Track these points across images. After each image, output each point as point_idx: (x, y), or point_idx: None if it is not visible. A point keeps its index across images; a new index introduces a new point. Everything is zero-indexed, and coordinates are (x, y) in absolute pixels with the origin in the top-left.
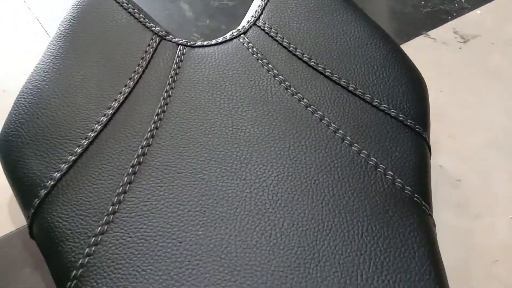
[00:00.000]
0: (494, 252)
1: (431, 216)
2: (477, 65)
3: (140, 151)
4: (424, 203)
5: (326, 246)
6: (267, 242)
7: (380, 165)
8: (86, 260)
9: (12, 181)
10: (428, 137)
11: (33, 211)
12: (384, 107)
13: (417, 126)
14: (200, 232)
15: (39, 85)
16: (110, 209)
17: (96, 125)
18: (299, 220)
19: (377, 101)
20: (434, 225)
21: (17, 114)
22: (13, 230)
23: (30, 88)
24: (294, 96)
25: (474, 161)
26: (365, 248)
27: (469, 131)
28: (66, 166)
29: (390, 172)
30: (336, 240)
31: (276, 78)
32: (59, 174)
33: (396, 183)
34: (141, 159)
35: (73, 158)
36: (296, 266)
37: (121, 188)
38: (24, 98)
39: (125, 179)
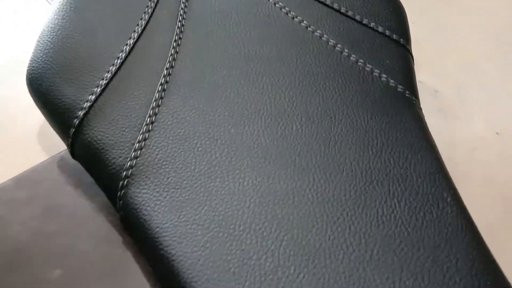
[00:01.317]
0: (473, 142)
1: (421, 109)
2: None
3: (165, 72)
4: (414, 97)
5: (339, 131)
6: (290, 133)
7: (375, 70)
8: (134, 162)
9: (48, 109)
10: (411, 50)
11: (74, 130)
12: (373, 25)
13: (401, 39)
14: (232, 130)
15: (59, 23)
16: (148, 120)
17: (121, 53)
18: (314, 115)
19: (366, 20)
20: (423, 116)
21: (42, 49)
22: (47, 158)
23: (51, 27)
24: (294, 19)
25: (449, 76)
26: (370, 131)
27: (442, 54)
28: (99, 89)
29: (384, 75)
30: (346, 126)
31: (276, 5)
32: (94, 96)
33: (390, 83)
34: (168, 78)
35: (105, 82)
36: (317, 148)
37: (154, 103)
38: (46, 35)
39: (157, 95)
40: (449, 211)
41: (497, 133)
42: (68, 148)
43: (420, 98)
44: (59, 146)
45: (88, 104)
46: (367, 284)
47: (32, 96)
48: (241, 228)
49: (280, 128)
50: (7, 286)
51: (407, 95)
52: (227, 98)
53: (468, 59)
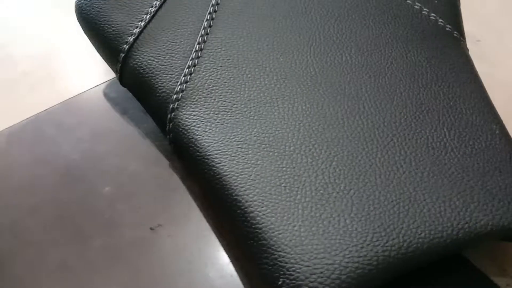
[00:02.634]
0: None
1: (468, 49)
2: None
3: (214, 1)
4: (462, 38)
5: (390, 63)
6: (339, 63)
7: (424, 9)
8: (184, 86)
9: (97, 35)
10: None
11: (123, 55)
12: None
13: None
14: (281, 59)
15: None
16: (197, 47)
17: None
18: (364, 47)
19: None
20: (470, 56)
21: None
22: (94, 86)
23: None
24: None
25: (491, 25)
26: (420, 65)
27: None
28: (149, 16)
29: (433, 14)
30: (397, 59)
31: None
32: (143, 23)
33: (439, 23)
34: (216, 7)
35: (154, 9)
36: (367, 78)
37: (203, 30)
38: None
39: (205, 23)
40: (498, 142)
41: None
42: (116, 74)
43: None
44: (107, 74)
45: (138, 30)
46: (417, 203)
47: (80, 23)
48: (291, 148)
49: (330, 57)
50: (62, 197)
51: (455, 34)
52: (276, 28)
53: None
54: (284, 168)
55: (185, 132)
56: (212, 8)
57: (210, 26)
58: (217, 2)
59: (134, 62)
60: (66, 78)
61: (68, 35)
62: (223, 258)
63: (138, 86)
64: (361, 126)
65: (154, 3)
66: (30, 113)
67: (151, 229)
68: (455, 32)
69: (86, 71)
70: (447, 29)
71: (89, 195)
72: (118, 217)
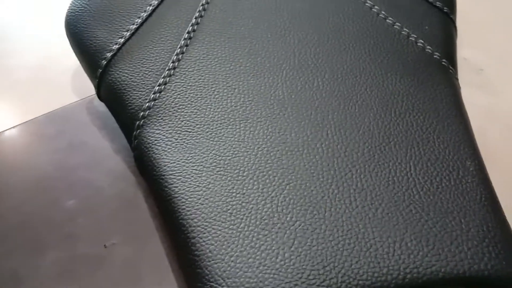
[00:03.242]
0: None
1: (457, 79)
2: None
3: (194, 20)
4: (451, 67)
5: (363, 90)
6: (310, 88)
7: (412, 35)
8: (152, 104)
9: (80, 50)
10: (455, 19)
11: (101, 71)
12: None
13: (444, 8)
14: (252, 81)
15: None
16: (171, 65)
17: (154, 1)
18: (339, 72)
19: None
20: (459, 87)
21: None
22: (78, 100)
23: None
24: None
25: (497, 52)
26: (396, 93)
27: (491, 28)
28: (129, 33)
29: (420, 41)
30: (372, 87)
31: None
32: (123, 39)
33: (426, 50)
34: (195, 27)
35: (135, 26)
36: (336, 105)
37: (179, 49)
38: None
39: (182, 42)
40: (469, 180)
41: None
42: (95, 89)
43: (460, 77)
44: (91, 89)
45: (117, 46)
46: (364, 241)
47: (68, 38)
48: (245, 173)
49: (301, 82)
50: (26, 207)
51: (443, 63)
52: (251, 49)
53: None
54: (234, 194)
55: (146, 150)
56: (191, 27)
57: (186, 45)
58: (197, 22)
59: (110, 78)
60: (55, 90)
61: (62, 48)
62: (173, 283)
63: (112, 102)
64: (320, 155)
65: (136, 20)
66: (15, 122)
67: (105, 246)
68: (444, 60)
69: (75, 84)
70: (435, 57)
71: (53, 206)
72: (76, 232)
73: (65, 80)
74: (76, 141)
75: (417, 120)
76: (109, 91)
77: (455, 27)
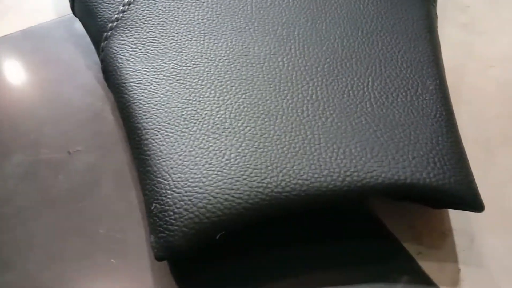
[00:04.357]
0: (492, 60)
1: (434, 5)
2: None
3: None
4: None
5: (333, 9)
6: (279, 4)
7: None
8: (120, 15)
9: None
10: None
11: None
12: None
13: None
14: None
15: None
16: None
17: None
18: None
19: None
20: (436, 16)
21: None
22: (55, 18)
23: None
24: None
25: None
26: (367, 13)
27: None
28: None
29: None
30: (342, 6)
31: None
32: None
33: None
34: None
35: None
36: (304, 21)
37: None
38: None
39: None
40: (427, 97)
41: None
42: (70, 3)
43: (445, 13)
44: (69, 8)
45: None
46: (309, 146)
47: None
48: (203, 82)
49: None
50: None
51: None
52: None
53: None
54: (190, 101)
55: (111, 60)
56: None
57: None
58: None
59: None
60: (33, 8)
61: None
62: (131, 187)
63: (84, 16)
64: (280, 68)
65: None
66: None
67: (69, 153)
68: None
69: (54, 2)
70: None
71: (21, 116)
72: (42, 139)
73: None
74: (51, 57)
75: (383, 40)
76: (82, 5)
77: None
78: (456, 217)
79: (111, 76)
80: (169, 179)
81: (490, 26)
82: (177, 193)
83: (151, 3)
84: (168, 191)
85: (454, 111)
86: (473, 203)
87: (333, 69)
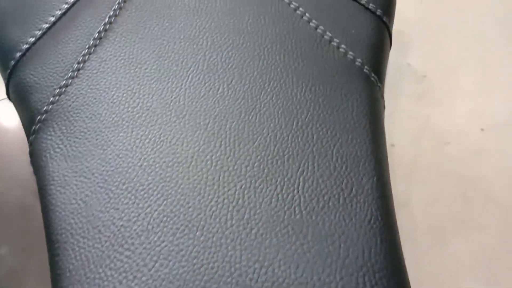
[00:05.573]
0: (448, 135)
1: (380, 88)
2: None
3: (107, 19)
4: (373, 75)
5: (269, 99)
6: (213, 95)
7: (335, 39)
8: (50, 107)
9: None
10: (390, 23)
11: (9, 71)
12: None
13: (378, 10)
14: (154, 85)
15: None
16: (75, 66)
17: None
18: (247, 79)
19: None
20: (383, 97)
21: None
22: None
23: None
24: None
25: (442, 59)
26: (304, 102)
27: (442, 34)
28: (41, 32)
29: (343, 46)
30: (279, 95)
31: None
32: (34, 39)
33: (348, 55)
34: (107, 26)
35: (47, 25)
36: (237, 114)
37: (86, 50)
38: None
39: (91, 42)
40: (361, 200)
41: (482, 129)
42: (6, 88)
43: (404, 81)
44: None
45: (26, 46)
46: (229, 265)
47: None
48: (124, 186)
49: (206, 88)
50: None
51: (365, 70)
52: (161, 51)
53: (466, 43)
54: (107, 209)
55: (37, 158)
56: (103, 26)
57: (95, 46)
58: (111, 21)
59: (17, 78)
60: None
61: None
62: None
63: (17, 104)
64: (207, 168)
65: (49, 19)
66: None
67: None
68: (366, 67)
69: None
70: (356, 63)
71: None
72: None
73: None
74: None
75: (319, 132)
76: (15, 93)
77: (389, 32)
78: None
79: (36, 175)
80: None
81: (446, 96)
82: None
83: (81, 94)
84: None
85: (406, 190)
86: None
87: (263, 168)
